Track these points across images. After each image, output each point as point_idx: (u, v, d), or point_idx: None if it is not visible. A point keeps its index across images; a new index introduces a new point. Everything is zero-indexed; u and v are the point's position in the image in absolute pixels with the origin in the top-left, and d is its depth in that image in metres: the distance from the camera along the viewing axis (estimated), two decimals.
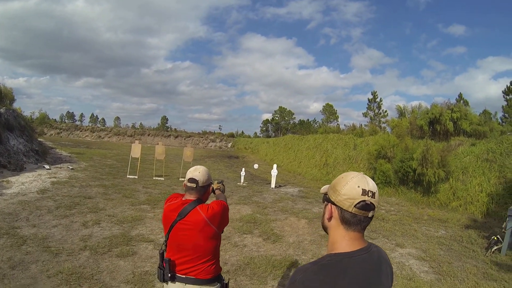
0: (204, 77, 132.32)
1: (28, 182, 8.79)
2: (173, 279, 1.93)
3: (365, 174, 1.12)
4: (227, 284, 2.07)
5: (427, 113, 13.84)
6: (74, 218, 5.94)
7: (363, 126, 20.61)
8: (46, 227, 5.35)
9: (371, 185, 1.07)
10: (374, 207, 1.07)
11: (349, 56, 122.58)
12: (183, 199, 2.04)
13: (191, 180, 2.01)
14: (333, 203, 1.10)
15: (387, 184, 11.26)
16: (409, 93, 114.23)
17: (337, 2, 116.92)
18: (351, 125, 19.96)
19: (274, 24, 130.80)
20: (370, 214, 1.06)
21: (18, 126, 13.15)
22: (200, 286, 1.93)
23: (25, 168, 10.83)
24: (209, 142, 42.40)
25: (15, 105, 15.31)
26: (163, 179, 11.74)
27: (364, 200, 1.04)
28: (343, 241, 1.07)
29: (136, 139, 16.17)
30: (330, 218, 1.11)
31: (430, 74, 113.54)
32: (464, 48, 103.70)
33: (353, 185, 1.06)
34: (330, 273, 0.99)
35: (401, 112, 16.22)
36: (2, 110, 12.29)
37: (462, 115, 13.11)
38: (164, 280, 1.95)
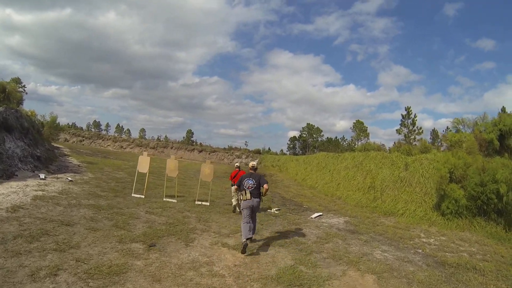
0: (231, 92, 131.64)
1: (5, 194, 7.05)
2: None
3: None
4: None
5: (496, 125, 11.28)
6: (26, 260, 3.95)
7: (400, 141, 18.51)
8: None
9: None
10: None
11: (376, 74, 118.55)
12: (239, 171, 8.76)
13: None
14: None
15: (458, 214, 8.56)
16: (437, 110, 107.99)
17: (364, 18, 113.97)
18: (396, 142, 17.42)
19: (301, 41, 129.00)
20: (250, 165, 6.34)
21: (19, 128, 11.59)
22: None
23: (16, 175, 9.14)
24: (235, 158, 40.63)
25: (27, 108, 13.88)
26: (175, 201, 9.31)
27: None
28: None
29: (144, 151, 14.15)
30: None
31: (458, 91, 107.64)
32: (492, 64, 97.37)
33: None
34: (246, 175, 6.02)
35: (457, 127, 13.82)
36: (1, 109, 10.77)
37: None
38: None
